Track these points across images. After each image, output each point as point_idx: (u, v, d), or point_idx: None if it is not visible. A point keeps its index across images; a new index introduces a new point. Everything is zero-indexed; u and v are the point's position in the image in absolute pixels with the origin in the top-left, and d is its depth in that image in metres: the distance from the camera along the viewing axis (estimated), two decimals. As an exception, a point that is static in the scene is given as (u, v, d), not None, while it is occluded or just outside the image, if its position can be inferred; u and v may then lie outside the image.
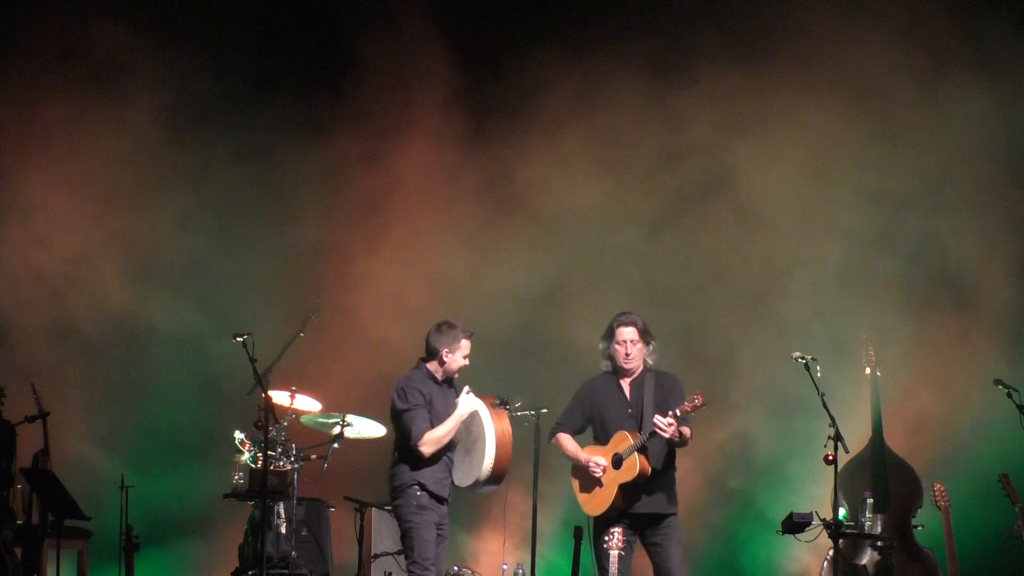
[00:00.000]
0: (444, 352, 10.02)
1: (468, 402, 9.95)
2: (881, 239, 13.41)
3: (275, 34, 14.14)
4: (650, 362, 10.16)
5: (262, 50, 14.01)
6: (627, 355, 10.10)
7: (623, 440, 9.98)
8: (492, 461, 9.86)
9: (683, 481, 10.33)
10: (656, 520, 10.02)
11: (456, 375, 10.13)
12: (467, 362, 10.08)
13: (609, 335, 10.17)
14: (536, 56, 13.81)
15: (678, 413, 9.80)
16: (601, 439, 10.14)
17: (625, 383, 10.17)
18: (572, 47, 13.85)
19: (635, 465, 9.89)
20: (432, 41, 14.05)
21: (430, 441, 9.88)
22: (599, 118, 13.86)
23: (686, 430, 9.92)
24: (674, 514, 10.06)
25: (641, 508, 9.98)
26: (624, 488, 9.93)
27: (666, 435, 9.80)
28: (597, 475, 9.98)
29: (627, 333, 10.11)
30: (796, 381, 10.92)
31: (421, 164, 14.10)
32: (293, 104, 14.06)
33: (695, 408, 9.81)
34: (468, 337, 10.05)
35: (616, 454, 9.97)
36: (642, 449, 9.89)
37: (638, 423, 9.99)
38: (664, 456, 10.02)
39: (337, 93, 14.17)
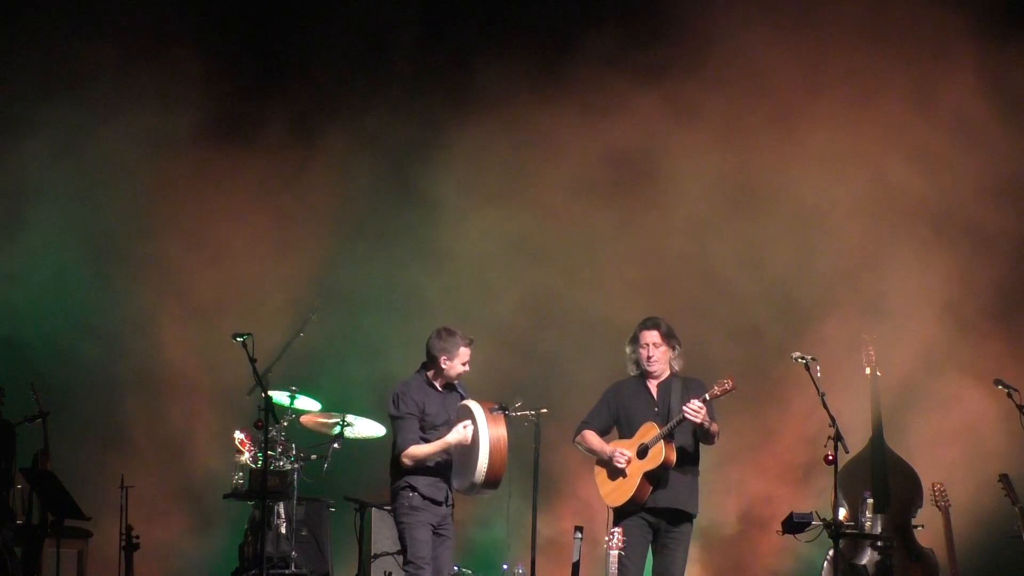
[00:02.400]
0: (443, 359, 9.93)
1: (458, 433, 9.84)
2: (880, 236, 13.41)
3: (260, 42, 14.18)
4: (676, 367, 10.22)
5: (261, 53, 14.06)
6: (649, 358, 10.15)
7: (650, 430, 10.00)
8: (486, 466, 9.80)
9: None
10: (675, 519, 10.03)
11: (457, 380, 10.08)
12: (467, 368, 10.01)
13: (634, 340, 10.24)
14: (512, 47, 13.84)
15: (707, 397, 9.88)
16: (627, 436, 10.15)
17: (652, 384, 10.22)
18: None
19: (660, 452, 9.90)
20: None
21: (410, 456, 9.85)
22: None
23: (714, 426, 9.97)
24: (692, 518, 10.08)
25: (662, 502, 9.99)
26: (648, 476, 9.93)
27: (697, 419, 9.82)
28: (621, 465, 10.00)
29: (650, 336, 10.18)
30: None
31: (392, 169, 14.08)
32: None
33: (724, 391, 9.87)
34: (468, 344, 9.96)
35: (642, 444, 9.99)
36: (668, 438, 9.92)
37: (665, 420, 10.01)
38: (689, 451, 10.05)
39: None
